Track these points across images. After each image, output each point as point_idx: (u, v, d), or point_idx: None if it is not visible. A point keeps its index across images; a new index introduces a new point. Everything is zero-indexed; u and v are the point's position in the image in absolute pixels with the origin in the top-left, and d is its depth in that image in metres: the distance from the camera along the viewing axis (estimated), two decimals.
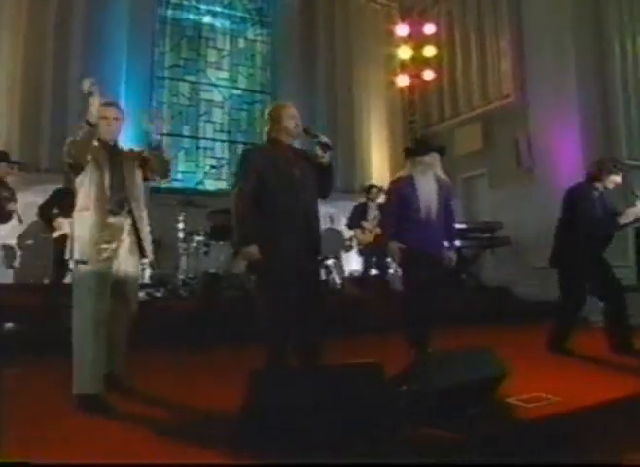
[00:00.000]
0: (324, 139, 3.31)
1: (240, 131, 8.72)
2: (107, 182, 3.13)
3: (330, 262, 7.50)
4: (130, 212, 3.19)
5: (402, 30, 9.44)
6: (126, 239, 3.18)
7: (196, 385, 3.48)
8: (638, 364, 3.96)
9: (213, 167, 8.34)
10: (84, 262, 3.04)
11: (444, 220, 4.28)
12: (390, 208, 4.34)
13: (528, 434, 2.62)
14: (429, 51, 9.34)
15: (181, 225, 6.68)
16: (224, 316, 5.47)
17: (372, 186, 7.73)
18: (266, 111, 3.51)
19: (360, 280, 7.60)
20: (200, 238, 6.64)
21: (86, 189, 3.11)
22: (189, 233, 6.67)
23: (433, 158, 4.27)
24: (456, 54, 9.34)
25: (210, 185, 8.45)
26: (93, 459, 2.19)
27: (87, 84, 3.02)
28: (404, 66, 9.62)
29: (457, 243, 7.34)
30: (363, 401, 2.40)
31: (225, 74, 8.79)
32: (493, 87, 8.66)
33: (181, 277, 6.53)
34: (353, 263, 8.47)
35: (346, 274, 8.06)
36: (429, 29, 9.38)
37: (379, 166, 9.62)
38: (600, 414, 2.88)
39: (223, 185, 8.36)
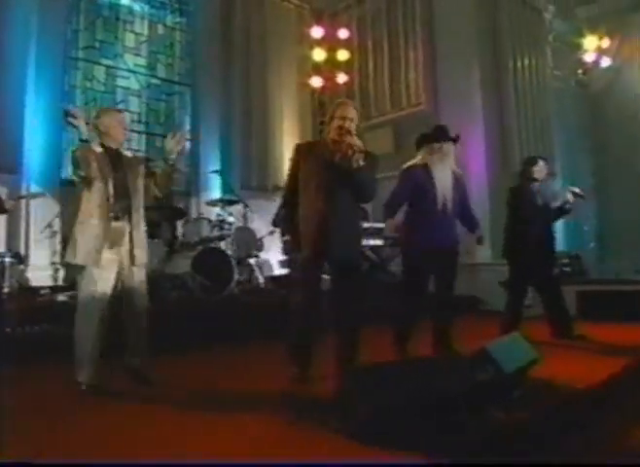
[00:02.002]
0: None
1: (159, 123, 8.43)
2: (111, 190, 3.30)
3: (252, 261, 7.60)
4: (130, 219, 3.39)
5: (316, 32, 9.72)
6: (126, 244, 3.38)
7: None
8: (588, 345, 4.65)
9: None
10: (86, 266, 3.26)
11: (461, 212, 4.34)
12: (401, 191, 4.22)
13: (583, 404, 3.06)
14: (342, 54, 9.74)
15: None
16: (169, 318, 5.22)
17: None
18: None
19: (285, 281, 7.75)
20: None
21: (91, 197, 3.29)
22: None
23: (450, 147, 4.28)
24: (368, 60, 9.80)
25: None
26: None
27: (72, 111, 3.41)
28: (317, 68, 9.89)
29: (373, 242, 8.00)
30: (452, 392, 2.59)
31: (143, 61, 8.45)
32: (405, 94, 9.26)
33: None
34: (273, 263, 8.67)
35: (270, 274, 8.21)
36: (343, 34, 9.78)
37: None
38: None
39: None
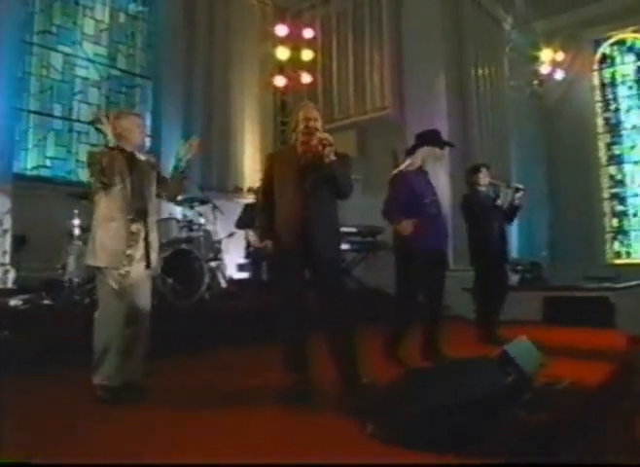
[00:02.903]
0: None
1: None
2: (129, 193, 3.39)
3: (213, 264, 7.38)
4: (145, 220, 3.47)
5: (281, 30, 9.58)
6: (141, 246, 3.46)
7: None
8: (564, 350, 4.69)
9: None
10: (110, 268, 3.35)
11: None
12: (397, 196, 4.20)
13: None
14: (306, 54, 9.63)
15: (76, 221, 6.05)
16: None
17: None
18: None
19: (251, 285, 7.58)
20: None
21: (111, 200, 3.37)
22: (84, 230, 6.08)
23: (444, 151, 4.38)
24: (332, 61, 9.76)
25: (84, 175, 7.64)
26: None
27: (97, 117, 3.63)
28: (281, 67, 9.77)
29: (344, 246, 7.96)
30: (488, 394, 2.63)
31: (103, 50, 8.07)
32: (370, 97, 9.26)
33: (76, 281, 5.91)
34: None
35: (231, 278, 7.99)
36: (308, 33, 9.70)
37: (251, 168, 9.67)
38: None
39: None
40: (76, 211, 5.99)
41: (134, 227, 3.40)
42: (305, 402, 3.23)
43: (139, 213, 3.43)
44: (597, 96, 11.16)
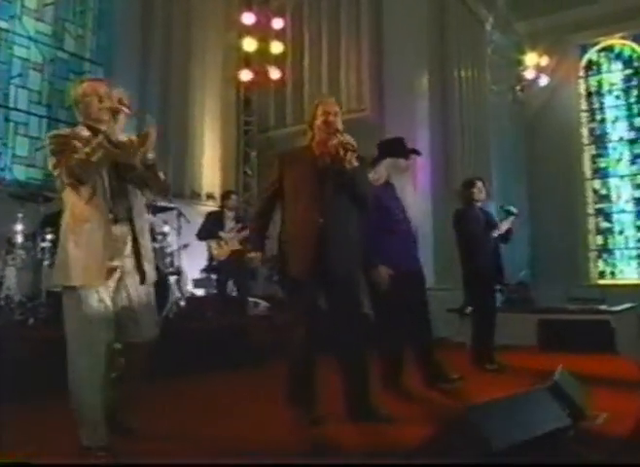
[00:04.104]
0: None
1: (64, 107, 7.56)
2: (107, 183, 2.87)
3: (172, 279, 7.04)
4: (131, 222, 2.94)
5: (247, 19, 9.36)
6: (130, 256, 2.93)
7: None
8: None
9: None
10: (84, 287, 2.76)
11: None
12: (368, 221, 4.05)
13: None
14: (276, 47, 9.44)
15: (19, 226, 5.60)
16: None
17: (230, 192, 7.55)
18: None
19: (215, 303, 7.27)
20: (46, 245, 5.64)
21: (84, 196, 2.82)
22: (28, 238, 5.64)
23: (410, 162, 4.37)
24: (304, 56, 9.63)
25: (20, 173, 7.16)
26: None
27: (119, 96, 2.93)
28: (247, 60, 9.58)
29: None
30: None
31: (47, 28, 7.61)
32: (346, 98, 9.09)
33: (18, 298, 5.44)
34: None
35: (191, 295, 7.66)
36: (277, 23, 9.51)
37: (210, 171, 9.35)
38: None
39: (38, 174, 7.18)
40: (20, 215, 5.60)
41: (117, 229, 2.87)
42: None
43: (122, 211, 2.90)
44: (583, 105, 11.45)
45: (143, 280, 2.94)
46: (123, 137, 2.94)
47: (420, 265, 4.37)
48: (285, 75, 9.60)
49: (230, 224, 7.19)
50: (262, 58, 9.44)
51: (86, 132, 2.87)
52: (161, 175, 3.07)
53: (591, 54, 11.43)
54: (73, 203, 2.85)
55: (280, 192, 3.42)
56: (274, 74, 9.43)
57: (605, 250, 11.15)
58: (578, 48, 11.40)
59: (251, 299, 7.60)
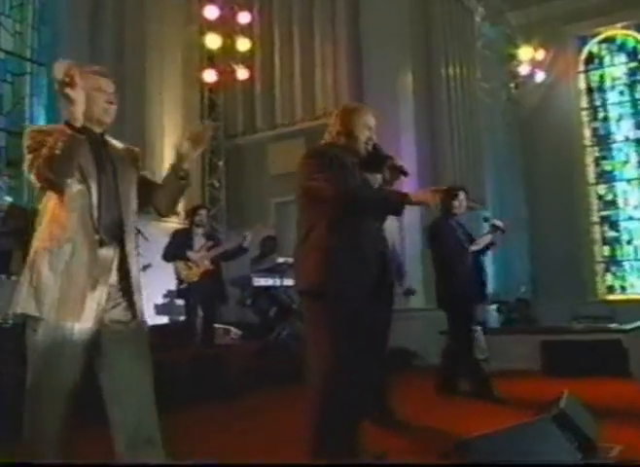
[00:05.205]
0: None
1: (1, 113, 7.49)
2: (95, 197, 2.61)
3: None
4: (122, 242, 2.66)
5: (210, 12, 9.27)
6: (115, 285, 2.65)
7: None
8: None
9: None
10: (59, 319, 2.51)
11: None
12: None
13: None
14: (243, 44, 9.38)
15: None
16: None
17: (199, 207, 7.43)
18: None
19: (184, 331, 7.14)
20: None
21: (65, 208, 2.58)
22: None
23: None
24: (274, 54, 9.60)
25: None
26: None
27: (63, 68, 2.35)
28: (211, 59, 9.52)
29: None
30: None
31: None
32: (322, 99, 9.12)
33: None
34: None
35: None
36: (244, 17, 9.43)
37: None
38: None
39: None
40: None
41: (104, 253, 2.64)
42: None
43: (111, 231, 2.65)
44: (583, 103, 11.51)
45: (134, 315, 2.66)
46: (117, 143, 2.80)
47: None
48: (254, 75, 9.56)
49: (199, 242, 7.10)
50: (227, 57, 9.38)
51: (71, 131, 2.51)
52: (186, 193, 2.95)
53: (592, 46, 11.50)
54: (53, 217, 2.62)
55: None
56: (242, 74, 9.37)
57: (613, 262, 11.18)
58: (576, 39, 11.47)
59: (220, 325, 7.50)
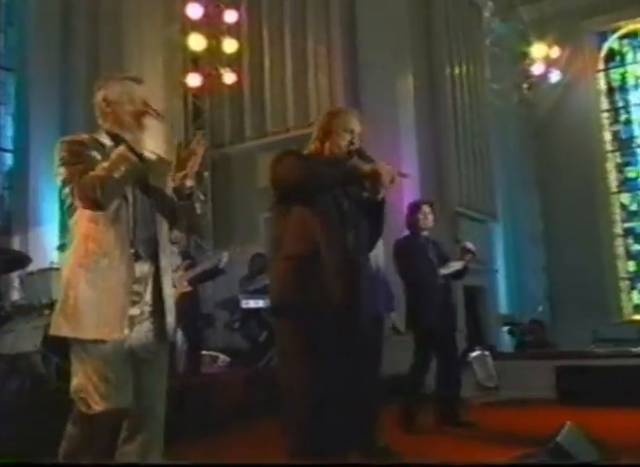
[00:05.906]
0: None
1: None
2: (131, 211, 2.71)
3: None
4: (156, 259, 2.78)
5: (194, 11, 9.18)
6: (148, 304, 2.76)
7: None
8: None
9: None
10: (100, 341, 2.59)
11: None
12: None
13: None
14: (230, 45, 9.30)
15: None
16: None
17: None
18: None
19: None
20: None
21: (100, 224, 2.66)
22: None
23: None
24: (264, 56, 9.53)
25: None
26: None
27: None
28: (195, 62, 9.47)
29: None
30: None
31: None
32: (316, 105, 9.01)
33: None
34: None
35: None
36: (230, 16, 9.36)
37: None
38: None
39: None
40: None
41: (139, 267, 2.71)
42: None
43: (146, 246, 2.74)
44: (603, 104, 11.41)
45: (163, 336, 2.76)
46: (148, 153, 2.81)
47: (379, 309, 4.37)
48: (241, 79, 9.48)
49: (175, 261, 7.01)
50: (212, 59, 9.32)
51: (107, 141, 2.70)
52: (198, 208, 2.98)
53: (612, 43, 11.41)
54: (87, 232, 2.67)
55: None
56: (229, 78, 9.27)
57: (639, 278, 11.00)
58: (595, 35, 11.39)
59: (206, 352, 7.38)
